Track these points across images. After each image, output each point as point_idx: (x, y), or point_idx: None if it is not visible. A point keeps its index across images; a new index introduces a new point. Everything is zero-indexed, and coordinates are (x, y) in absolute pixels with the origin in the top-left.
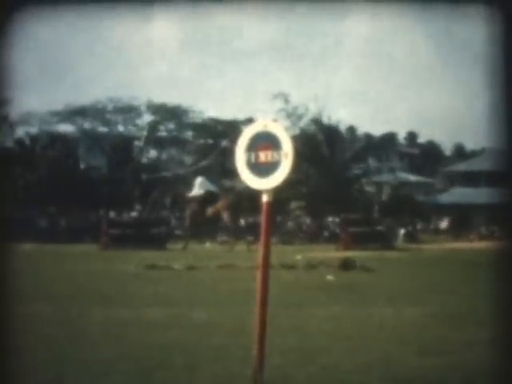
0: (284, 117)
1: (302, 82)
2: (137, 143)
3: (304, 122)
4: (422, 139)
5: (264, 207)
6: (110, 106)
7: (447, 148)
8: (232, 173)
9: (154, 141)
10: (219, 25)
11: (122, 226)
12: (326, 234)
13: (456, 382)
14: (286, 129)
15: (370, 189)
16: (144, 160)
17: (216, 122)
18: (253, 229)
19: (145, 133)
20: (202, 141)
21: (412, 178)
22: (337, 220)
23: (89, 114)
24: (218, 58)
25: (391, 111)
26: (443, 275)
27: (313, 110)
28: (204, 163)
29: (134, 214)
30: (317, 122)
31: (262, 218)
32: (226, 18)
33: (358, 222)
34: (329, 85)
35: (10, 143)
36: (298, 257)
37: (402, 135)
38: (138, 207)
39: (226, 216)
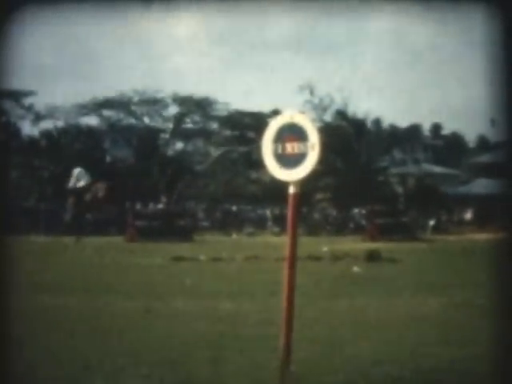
0: (310, 109)
1: (327, 74)
2: (163, 135)
3: (330, 114)
4: (446, 131)
5: (291, 199)
6: (135, 99)
7: (471, 140)
8: (259, 164)
9: (179, 133)
10: (244, 17)
11: (148, 218)
12: (351, 225)
13: (481, 373)
14: (312, 120)
15: (394, 180)
16: (170, 152)
17: (242, 114)
18: (279, 220)
19: (171, 125)
20: (228, 133)
21: (436, 169)
22: (362, 212)
23: (114, 107)
24: (243, 51)
25: (416, 103)
26: (468, 266)
27: (338, 102)
28: (231, 155)
29: (160, 205)
30: (342, 113)
31: (289, 210)
32: (251, 10)
33: (383, 214)
34: (354, 77)
35: (36, 135)
36: (325, 248)
37: (426, 127)
38: (163, 199)
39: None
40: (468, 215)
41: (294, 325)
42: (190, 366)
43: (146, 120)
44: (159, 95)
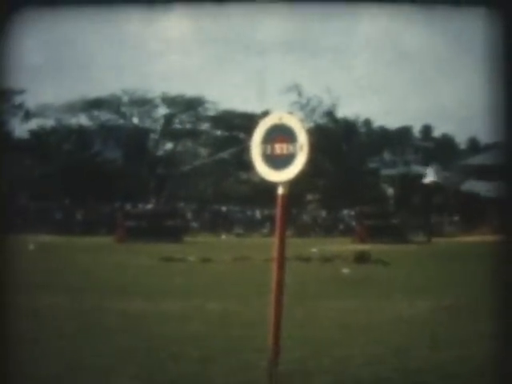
0: (298, 109)
1: (318, 75)
2: (152, 135)
3: (318, 115)
4: (436, 133)
5: (279, 200)
6: (125, 99)
7: (462, 142)
8: (248, 165)
9: (169, 133)
10: (234, 18)
11: (137, 219)
12: (341, 227)
13: (468, 375)
14: (301, 121)
15: (384, 182)
16: (159, 152)
17: (232, 114)
18: (268, 221)
19: (160, 125)
20: (217, 133)
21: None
22: (352, 213)
23: (104, 107)
24: (233, 51)
25: (406, 105)
26: (457, 268)
27: (327, 103)
28: (220, 155)
29: (149, 206)
30: (331, 114)
31: (278, 211)
32: (241, 12)
33: (372, 215)
34: (344, 79)
35: (25, 134)
36: (314, 250)
37: (416, 129)
38: (153, 199)
39: None
40: (458, 217)
41: (283, 325)
42: (179, 365)
43: (136, 120)
44: (149, 96)
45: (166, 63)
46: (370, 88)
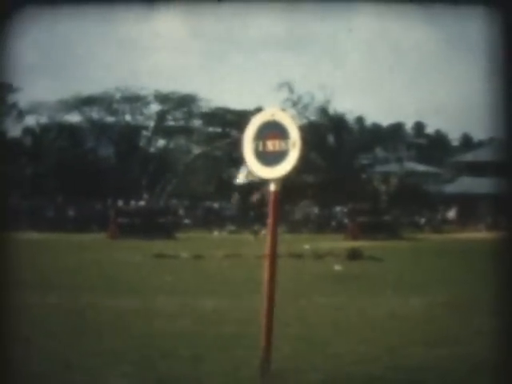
0: (290, 106)
1: (310, 72)
2: (144, 133)
3: (310, 112)
4: (429, 129)
5: (271, 196)
6: (117, 96)
7: (454, 138)
8: (240, 162)
9: (161, 130)
10: (226, 15)
11: (130, 215)
12: (333, 223)
13: (461, 372)
14: (293, 118)
15: (377, 179)
16: (152, 149)
17: (225, 111)
18: (261, 218)
19: (152, 122)
20: (210, 130)
21: (419, 168)
22: (345, 210)
23: (96, 104)
24: (226, 48)
25: (399, 102)
26: (450, 265)
27: (320, 100)
28: (212, 152)
29: (141, 203)
30: (323, 111)
31: (270, 207)
32: (233, 9)
33: (365, 212)
34: (336, 75)
35: (18, 132)
36: (306, 246)
37: (409, 125)
38: (145, 196)
39: None
40: (451, 214)
41: (275, 323)
42: (171, 364)
43: (128, 117)
44: (141, 93)
45: (159, 60)
46: (363, 85)
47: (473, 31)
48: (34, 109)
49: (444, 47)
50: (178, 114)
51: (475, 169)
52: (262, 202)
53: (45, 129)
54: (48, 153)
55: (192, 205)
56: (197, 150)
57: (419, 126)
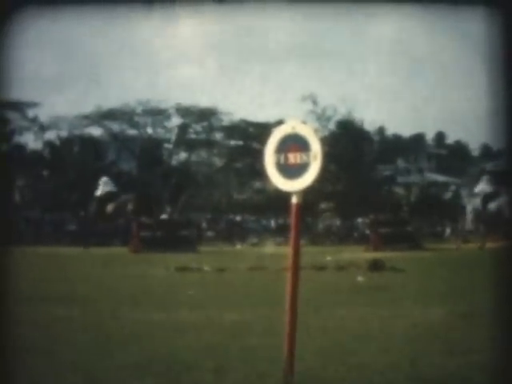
0: (313, 119)
1: (330, 83)
2: (166, 146)
3: (333, 124)
4: (449, 140)
5: (293, 209)
6: (138, 109)
7: (475, 148)
8: (262, 174)
9: (183, 143)
10: (246, 26)
11: (152, 229)
12: (355, 235)
13: (481, 381)
14: (316, 130)
15: (398, 190)
16: (174, 162)
17: (247, 123)
18: (283, 230)
19: (174, 135)
20: (232, 143)
21: (440, 178)
22: (366, 221)
23: (117, 117)
24: (247, 60)
25: (420, 112)
26: (472, 275)
27: (342, 112)
28: (234, 165)
29: (164, 216)
30: (346, 123)
31: (292, 220)
32: (253, 20)
33: (387, 223)
34: (357, 86)
35: (39, 146)
36: (328, 258)
37: (430, 136)
38: (167, 209)
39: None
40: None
41: (298, 335)
42: (194, 376)
43: (150, 130)
44: (162, 106)
45: (179, 72)
46: (383, 95)
47: (484, 34)
48: (54, 122)
49: (461, 53)
50: (200, 127)
51: (495, 178)
52: (118, 213)
53: (66, 142)
54: (70, 166)
55: (214, 218)
56: (219, 162)
57: (440, 137)
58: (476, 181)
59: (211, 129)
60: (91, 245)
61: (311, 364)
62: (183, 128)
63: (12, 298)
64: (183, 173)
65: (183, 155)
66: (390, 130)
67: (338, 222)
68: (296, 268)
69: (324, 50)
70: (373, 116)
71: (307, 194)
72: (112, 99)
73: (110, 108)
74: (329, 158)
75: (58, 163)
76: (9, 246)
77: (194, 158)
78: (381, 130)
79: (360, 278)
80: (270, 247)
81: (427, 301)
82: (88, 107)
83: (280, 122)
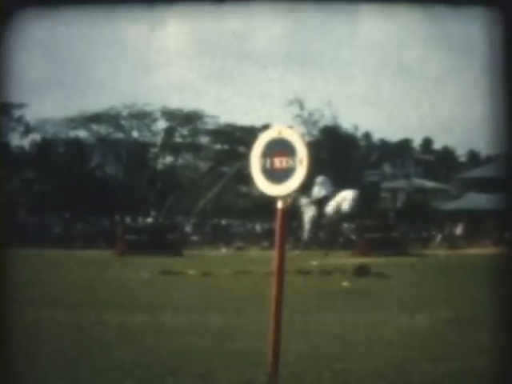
0: (300, 123)
1: (318, 88)
2: (152, 149)
3: (319, 129)
4: (437, 145)
5: (279, 213)
6: (124, 112)
7: (462, 154)
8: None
9: (169, 147)
10: (233, 30)
11: (137, 232)
12: (341, 240)
13: None
14: (302, 135)
15: (385, 195)
16: (159, 166)
17: (233, 127)
18: (269, 234)
19: (160, 139)
20: (218, 147)
21: (427, 184)
22: (352, 226)
23: (103, 121)
24: (234, 64)
25: (407, 117)
26: (457, 281)
27: (328, 117)
28: (221, 169)
29: (149, 219)
30: (332, 128)
31: (277, 225)
32: (239, 24)
33: (373, 229)
34: (343, 91)
35: (25, 147)
36: (314, 263)
37: (417, 142)
38: (153, 213)
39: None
40: (459, 230)
41: (282, 339)
42: (179, 380)
43: (135, 134)
44: (148, 109)
45: (165, 76)
46: (370, 100)
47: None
48: (40, 124)
49: (452, 58)
50: (186, 131)
51: (482, 185)
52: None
53: (52, 144)
54: (55, 169)
55: (199, 221)
56: (204, 166)
57: (427, 142)
58: (464, 187)
59: (197, 132)
60: (76, 247)
61: (296, 369)
62: (169, 131)
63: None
64: (169, 177)
65: (169, 159)
66: (377, 135)
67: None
68: (281, 273)
69: (313, 54)
70: (359, 121)
71: (293, 198)
72: (99, 101)
73: (95, 111)
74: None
75: (43, 165)
76: None
77: (179, 161)
78: (367, 135)
79: (345, 283)
80: (254, 251)
81: (412, 306)
82: (74, 109)
83: (266, 127)
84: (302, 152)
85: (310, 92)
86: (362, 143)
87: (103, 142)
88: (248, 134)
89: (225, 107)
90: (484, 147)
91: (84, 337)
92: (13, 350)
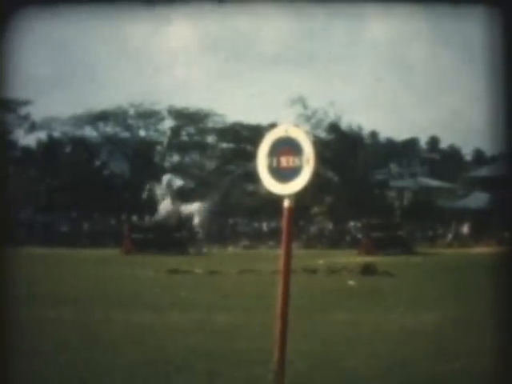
0: (303, 122)
1: (324, 86)
2: (159, 148)
3: (324, 127)
4: (443, 144)
5: (285, 212)
6: (131, 111)
7: (468, 153)
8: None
9: (176, 146)
10: (239, 30)
11: (144, 231)
12: (347, 238)
13: None
14: (307, 134)
15: (391, 194)
16: (166, 165)
17: (240, 126)
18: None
19: (167, 138)
20: (224, 145)
21: (433, 183)
22: (358, 225)
23: (110, 119)
24: (240, 63)
25: (413, 116)
26: (463, 280)
27: (333, 116)
28: (227, 168)
29: (156, 218)
30: (337, 127)
31: (284, 223)
32: (245, 23)
33: (379, 227)
34: (349, 90)
35: (31, 146)
36: (320, 261)
37: (423, 140)
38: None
39: None
40: (465, 229)
41: (289, 338)
42: (186, 379)
43: (142, 133)
44: (155, 108)
45: (172, 75)
46: (376, 99)
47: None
48: (47, 122)
49: (457, 58)
50: (192, 130)
51: (488, 184)
52: None
53: (58, 143)
54: (62, 168)
55: (206, 220)
56: (211, 165)
57: (433, 141)
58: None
59: (204, 131)
60: (84, 246)
61: (302, 367)
62: (176, 130)
63: (6, 299)
64: (176, 175)
65: (176, 158)
66: (384, 134)
67: (330, 226)
68: (287, 271)
69: (318, 53)
70: (366, 120)
71: (299, 197)
72: (106, 100)
73: (102, 110)
74: (321, 161)
75: (50, 164)
76: (1, 247)
77: (186, 160)
78: (374, 134)
79: (351, 282)
80: (261, 250)
81: (419, 305)
82: (85, 107)
83: (273, 125)
84: (308, 151)
85: (315, 91)
86: (369, 142)
87: (110, 140)
88: (254, 133)
89: (231, 106)
90: (490, 146)
91: (90, 335)
92: (19, 347)
